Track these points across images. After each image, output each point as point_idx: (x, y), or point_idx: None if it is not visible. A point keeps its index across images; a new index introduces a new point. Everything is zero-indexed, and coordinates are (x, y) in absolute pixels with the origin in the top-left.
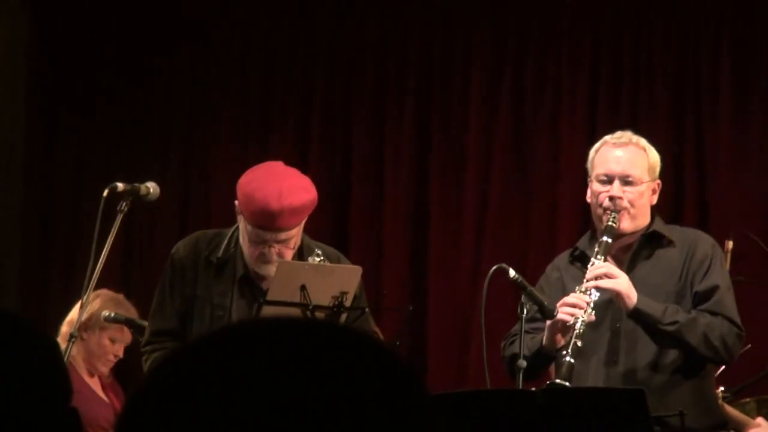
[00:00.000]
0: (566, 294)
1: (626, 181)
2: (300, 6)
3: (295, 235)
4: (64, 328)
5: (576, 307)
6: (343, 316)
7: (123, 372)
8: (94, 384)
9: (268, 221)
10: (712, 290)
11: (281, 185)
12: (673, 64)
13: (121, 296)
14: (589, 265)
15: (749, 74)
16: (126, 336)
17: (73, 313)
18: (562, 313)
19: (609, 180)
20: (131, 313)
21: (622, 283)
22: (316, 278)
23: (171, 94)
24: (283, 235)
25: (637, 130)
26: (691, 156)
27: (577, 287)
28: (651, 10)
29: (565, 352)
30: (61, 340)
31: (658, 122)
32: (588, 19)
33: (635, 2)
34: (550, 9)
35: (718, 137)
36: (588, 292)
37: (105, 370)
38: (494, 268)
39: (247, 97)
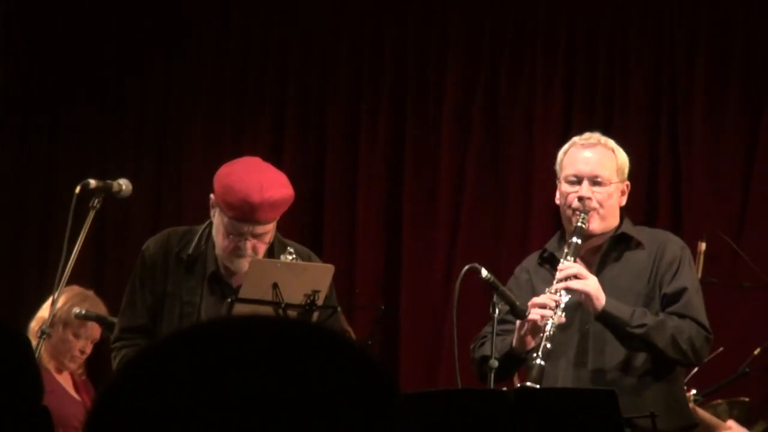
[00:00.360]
0: (536, 296)
1: (595, 181)
2: (274, 3)
3: (271, 230)
4: (33, 325)
5: (547, 308)
6: (315, 315)
7: (96, 370)
8: (65, 382)
9: (247, 213)
10: (681, 292)
11: (262, 178)
12: (648, 65)
13: (90, 292)
14: (558, 266)
15: (724, 77)
16: (91, 332)
17: (44, 310)
18: (534, 314)
19: (578, 180)
20: (101, 309)
21: (591, 284)
22: (289, 276)
23: (144, 92)
24: (260, 229)
25: (611, 132)
26: (665, 158)
27: (547, 288)
28: (626, 13)
29: (535, 355)
30: (31, 337)
31: (632, 124)
32: (563, 20)
33: (610, 4)
34: (525, 9)
35: (692, 139)
36: (558, 294)
37: (73, 366)
38: (466, 267)
39: (220, 96)
